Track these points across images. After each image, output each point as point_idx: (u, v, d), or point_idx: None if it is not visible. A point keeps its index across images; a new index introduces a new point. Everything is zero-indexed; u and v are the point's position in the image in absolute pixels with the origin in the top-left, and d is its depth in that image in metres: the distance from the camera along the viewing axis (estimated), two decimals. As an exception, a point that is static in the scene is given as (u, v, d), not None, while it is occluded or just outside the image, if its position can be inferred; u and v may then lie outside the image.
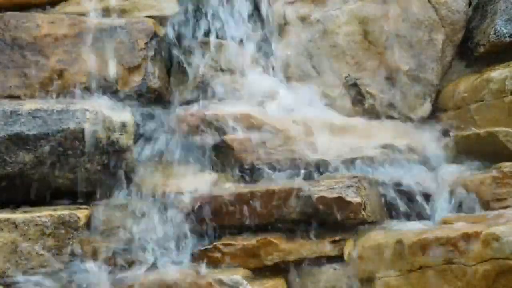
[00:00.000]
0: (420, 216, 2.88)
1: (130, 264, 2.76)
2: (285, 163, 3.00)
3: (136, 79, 3.08)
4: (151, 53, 3.12)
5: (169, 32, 3.24)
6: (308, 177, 2.96)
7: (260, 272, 2.78)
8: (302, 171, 2.98)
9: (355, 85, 3.30)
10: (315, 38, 3.35)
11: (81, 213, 2.78)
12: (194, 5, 3.33)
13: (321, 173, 2.98)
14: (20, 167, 2.80)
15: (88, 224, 2.80)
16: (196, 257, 2.80)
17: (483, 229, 2.50)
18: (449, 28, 3.36)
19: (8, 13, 3.10)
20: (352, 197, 2.77)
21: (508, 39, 3.22)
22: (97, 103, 2.94)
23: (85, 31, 3.10)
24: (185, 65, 3.26)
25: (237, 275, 2.68)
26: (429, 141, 3.19)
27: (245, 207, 2.80)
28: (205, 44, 3.30)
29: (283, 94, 3.27)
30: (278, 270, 2.79)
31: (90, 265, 2.75)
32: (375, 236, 2.73)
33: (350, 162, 3.02)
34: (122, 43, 3.09)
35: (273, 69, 3.35)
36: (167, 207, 2.85)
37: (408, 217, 2.87)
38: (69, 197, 2.85)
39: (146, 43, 3.11)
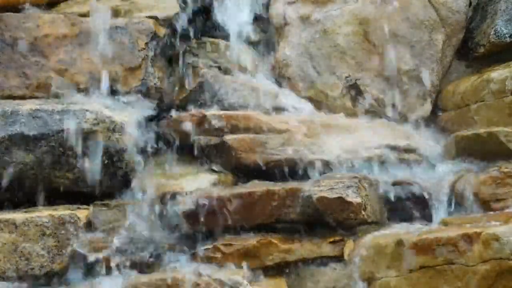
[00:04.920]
0: (420, 216, 2.87)
1: (130, 264, 2.76)
2: (285, 163, 2.99)
3: (136, 79, 3.08)
4: (151, 53, 3.12)
5: (169, 32, 3.24)
6: (308, 177, 2.95)
7: (260, 272, 2.78)
8: (302, 171, 2.98)
9: (355, 85, 3.30)
10: (316, 39, 3.35)
11: (81, 213, 2.78)
12: (194, 5, 3.32)
13: (322, 173, 2.98)
14: (20, 167, 2.80)
15: (88, 224, 2.80)
16: (196, 257, 2.80)
17: (483, 229, 2.50)
18: (449, 29, 3.36)
19: (8, 13, 3.10)
20: (353, 197, 2.77)
21: (508, 39, 3.22)
22: (97, 103, 2.94)
23: (85, 31, 3.09)
24: (186, 66, 3.26)
25: (237, 275, 2.68)
26: (429, 141, 3.19)
27: (245, 207, 2.80)
28: (205, 45, 3.30)
29: (283, 94, 3.27)
30: (278, 270, 2.79)
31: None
32: (375, 237, 2.73)
33: (350, 162, 3.02)
34: (122, 43, 3.09)
35: (273, 69, 3.35)
36: (167, 207, 2.86)
37: (408, 217, 2.87)
38: (69, 197, 2.85)
39: (146, 43, 3.10)
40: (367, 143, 3.09)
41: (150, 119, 3.09)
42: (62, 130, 2.82)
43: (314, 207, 2.78)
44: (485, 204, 2.79)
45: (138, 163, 2.96)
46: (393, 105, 3.30)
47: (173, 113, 3.10)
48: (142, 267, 2.77)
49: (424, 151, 3.13)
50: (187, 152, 3.07)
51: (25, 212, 2.78)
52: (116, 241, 2.78)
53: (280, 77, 3.33)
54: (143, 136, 3.04)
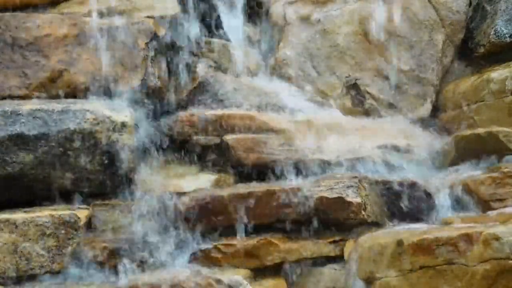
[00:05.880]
0: (420, 216, 2.87)
1: (130, 264, 2.76)
2: (285, 163, 2.99)
3: (136, 79, 3.08)
4: (151, 53, 3.12)
5: (170, 32, 3.24)
6: (308, 177, 2.96)
7: (260, 272, 2.78)
8: (302, 171, 2.98)
9: (355, 85, 3.30)
10: (316, 38, 3.35)
11: (81, 213, 2.78)
12: (194, 5, 3.33)
13: (321, 173, 2.98)
14: (20, 167, 2.80)
15: (88, 224, 2.80)
16: (196, 257, 2.80)
17: (483, 229, 2.50)
18: (450, 29, 3.36)
19: (8, 13, 3.10)
20: (352, 197, 2.77)
21: (508, 39, 3.22)
22: (97, 103, 2.94)
23: (85, 31, 3.09)
24: (186, 66, 3.26)
25: (237, 275, 2.68)
26: (429, 141, 3.19)
27: (245, 207, 2.80)
28: (206, 45, 3.30)
29: (283, 94, 3.27)
30: (278, 270, 2.79)
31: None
32: (375, 236, 2.73)
33: (350, 162, 3.02)
34: (122, 43, 3.09)
35: (273, 69, 3.35)
36: (167, 207, 2.86)
37: (408, 217, 2.87)
38: (69, 197, 2.85)
39: (146, 44, 3.11)
40: (367, 143, 3.09)
41: (150, 119, 3.09)
42: (62, 130, 2.82)
43: (314, 207, 2.78)
44: (485, 204, 2.79)
45: (138, 163, 2.96)
46: (393, 105, 3.30)
47: (173, 113, 3.10)
48: (142, 267, 2.76)
49: (424, 151, 3.13)
50: (187, 152, 3.07)
51: (25, 212, 2.78)
52: (116, 242, 2.78)
53: (280, 77, 3.33)
54: (142, 136, 3.04)
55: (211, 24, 3.34)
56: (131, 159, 2.91)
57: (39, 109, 2.84)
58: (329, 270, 2.79)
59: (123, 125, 2.89)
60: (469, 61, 3.37)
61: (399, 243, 2.59)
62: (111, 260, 2.76)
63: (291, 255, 2.78)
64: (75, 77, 3.04)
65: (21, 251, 2.71)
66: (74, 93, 3.03)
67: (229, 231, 2.83)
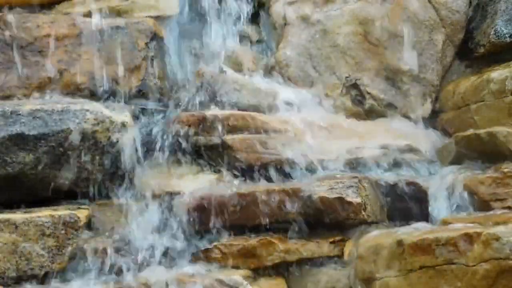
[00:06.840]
0: (420, 216, 2.87)
1: (130, 264, 2.76)
2: (285, 163, 2.99)
3: (136, 79, 3.08)
4: (151, 53, 3.12)
5: (170, 32, 3.24)
6: (308, 177, 2.96)
7: (260, 272, 2.78)
8: (303, 171, 2.98)
9: (355, 85, 3.30)
10: (316, 39, 3.35)
11: (81, 213, 2.78)
12: (194, 5, 3.33)
13: (322, 173, 2.98)
14: (20, 167, 2.80)
15: (88, 224, 2.81)
16: (196, 257, 2.80)
17: (483, 229, 2.50)
18: (450, 29, 3.36)
19: (8, 13, 3.10)
20: (353, 197, 2.78)
21: (508, 39, 3.22)
22: (97, 103, 2.94)
23: (85, 31, 3.10)
24: (185, 65, 3.26)
25: (237, 275, 2.69)
26: (429, 141, 3.19)
27: (245, 207, 2.80)
28: (206, 45, 3.30)
29: (283, 95, 3.27)
30: (278, 270, 2.80)
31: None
32: (375, 236, 2.73)
33: (350, 162, 3.02)
34: (123, 43, 3.09)
35: (273, 69, 3.35)
36: (167, 207, 2.86)
37: (408, 217, 2.87)
38: (69, 197, 2.85)
39: (146, 44, 3.11)
40: (367, 143, 3.09)
41: (150, 119, 3.09)
42: (62, 130, 2.82)
43: (314, 207, 2.78)
44: (485, 204, 2.79)
45: (138, 163, 2.96)
46: (393, 105, 3.30)
47: (173, 113, 3.10)
48: (142, 267, 2.76)
49: (424, 151, 3.13)
50: (187, 152, 3.06)
51: (25, 212, 2.78)
52: (116, 241, 2.78)
53: (280, 77, 3.33)
54: (142, 136, 3.04)
55: (211, 24, 3.34)
56: (131, 159, 2.91)
57: (39, 109, 2.84)
58: (329, 270, 2.79)
59: (123, 125, 2.89)
60: (469, 61, 3.37)
61: (399, 243, 2.59)
62: (111, 260, 2.76)
63: (291, 255, 2.78)
64: (75, 77, 3.04)
65: (21, 251, 2.71)
66: (74, 93, 3.03)
67: (229, 231, 2.83)
